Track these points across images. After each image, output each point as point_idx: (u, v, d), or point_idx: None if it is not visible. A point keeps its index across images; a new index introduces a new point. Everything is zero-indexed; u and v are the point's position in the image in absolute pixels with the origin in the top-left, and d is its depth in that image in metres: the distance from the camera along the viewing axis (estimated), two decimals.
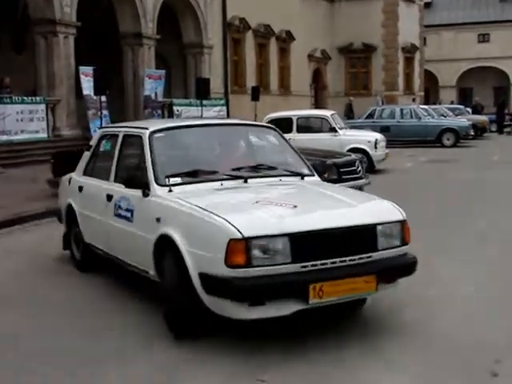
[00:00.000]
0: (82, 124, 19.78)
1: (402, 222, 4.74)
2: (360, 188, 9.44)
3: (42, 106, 18.16)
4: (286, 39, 32.90)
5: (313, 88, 37.26)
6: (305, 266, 4.25)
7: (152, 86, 21.87)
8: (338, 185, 6.47)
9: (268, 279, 4.15)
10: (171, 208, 4.82)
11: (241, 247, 4.12)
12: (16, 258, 7.37)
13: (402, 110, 24.62)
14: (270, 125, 6.82)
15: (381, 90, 37.01)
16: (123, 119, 21.54)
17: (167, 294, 4.70)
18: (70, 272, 6.65)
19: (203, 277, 4.30)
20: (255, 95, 26.45)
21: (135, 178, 5.32)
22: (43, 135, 18.21)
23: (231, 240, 4.14)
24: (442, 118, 26.74)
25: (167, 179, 5.08)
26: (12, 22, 22.79)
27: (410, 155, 20.24)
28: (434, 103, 38.84)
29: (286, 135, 14.67)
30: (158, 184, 5.09)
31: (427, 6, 49.80)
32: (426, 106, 27.94)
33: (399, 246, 4.70)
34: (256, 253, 4.16)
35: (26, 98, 17.62)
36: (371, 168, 15.18)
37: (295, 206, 4.58)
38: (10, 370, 4.24)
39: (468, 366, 4.12)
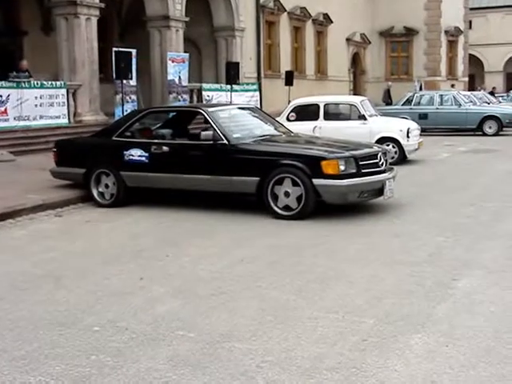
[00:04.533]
0: (109, 109, 19.12)
1: None
2: (383, 184, 8.56)
3: (63, 91, 17.53)
4: (323, 22, 31.84)
5: (351, 73, 36.13)
6: None
7: (175, 70, 21.08)
8: None
9: None
10: None
11: None
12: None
13: (441, 96, 23.37)
14: None
15: (422, 75, 35.69)
16: (150, 104, 20.96)
17: None
18: None
19: None
20: (289, 80, 25.60)
21: None
22: (64, 121, 17.61)
23: None
24: (485, 104, 25.43)
25: None
26: (41, 1, 22.20)
27: (448, 144, 19.11)
28: (473, 89, 37.27)
29: (312, 122, 14.34)
30: None
31: None
32: (467, 92, 26.65)
33: None
34: None
35: (45, 82, 17.00)
36: (403, 158, 14.22)
37: None
38: None
39: None
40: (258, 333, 4.51)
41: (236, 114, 9.95)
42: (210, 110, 9.27)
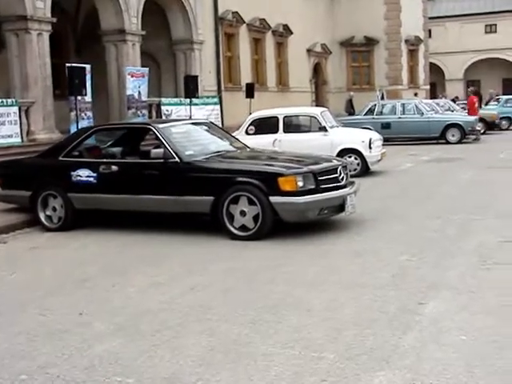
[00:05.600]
0: (65, 126, 18.48)
1: None
2: (343, 199, 8.16)
3: (15, 109, 16.86)
4: (283, 33, 31.53)
5: (313, 83, 35.87)
6: None
7: (134, 85, 20.56)
8: None
9: None
10: None
11: None
12: None
13: (403, 105, 23.18)
14: None
15: (384, 84, 35.61)
16: (107, 120, 20.36)
17: None
18: None
19: None
20: (249, 92, 25.20)
21: None
22: (16, 140, 16.94)
23: None
24: (447, 112, 25.34)
25: None
26: None
27: (411, 154, 18.87)
28: (435, 97, 37.35)
29: (272, 136, 13.92)
30: None
31: None
32: (429, 101, 26.55)
33: None
34: None
35: None
36: (366, 170, 13.88)
37: None
38: None
39: None
40: (204, 376, 4.04)
41: (189, 130, 9.48)
42: (160, 126, 8.80)
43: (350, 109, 29.41)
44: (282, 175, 7.76)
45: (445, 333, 4.63)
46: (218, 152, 8.75)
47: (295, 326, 4.86)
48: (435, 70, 48.57)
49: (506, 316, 4.91)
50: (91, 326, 5.04)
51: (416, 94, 35.40)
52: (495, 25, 49.96)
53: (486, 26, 50.22)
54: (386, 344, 4.44)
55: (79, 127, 16.44)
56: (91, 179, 8.82)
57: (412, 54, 38.73)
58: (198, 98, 22.43)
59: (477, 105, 26.49)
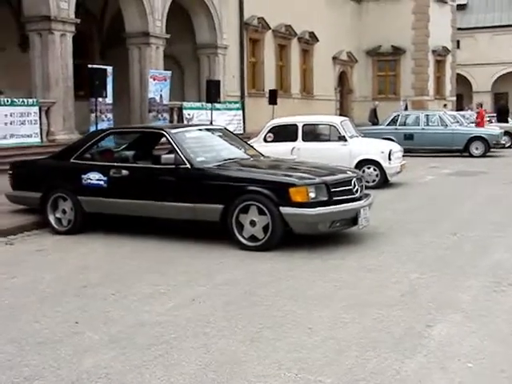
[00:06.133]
0: (86, 128, 18.46)
1: None
2: (357, 212, 7.93)
3: (35, 109, 16.91)
4: (309, 40, 31.38)
5: (338, 92, 35.65)
6: None
7: (156, 88, 20.53)
8: None
9: None
10: None
11: None
12: None
13: (427, 116, 22.84)
14: None
15: (410, 94, 35.29)
16: (128, 123, 20.32)
17: None
18: None
19: None
20: (272, 99, 25.05)
21: None
22: (36, 140, 16.99)
23: None
24: (472, 125, 24.95)
25: None
26: (17, 16, 21.58)
27: (433, 166, 18.54)
28: (461, 109, 36.92)
29: (290, 143, 13.72)
30: None
31: (462, 7, 47.94)
32: (454, 112, 26.19)
33: None
34: None
35: (16, 99, 16.35)
36: (384, 181, 13.62)
37: None
38: None
39: None
40: None
41: (202, 136, 9.33)
42: (173, 131, 8.65)
43: (374, 118, 29.04)
44: (293, 185, 7.56)
45: (451, 359, 4.40)
46: (231, 159, 8.57)
47: (295, 345, 4.66)
48: (462, 82, 48.06)
49: None
50: (84, 337, 4.88)
51: (445, 106, 34.93)
52: None
53: None
54: (388, 369, 4.23)
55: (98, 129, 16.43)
56: (101, 183, 8.69)
57: (439, 64, 38.36)
58: (220, 102, 22.34)
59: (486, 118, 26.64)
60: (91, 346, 4.69)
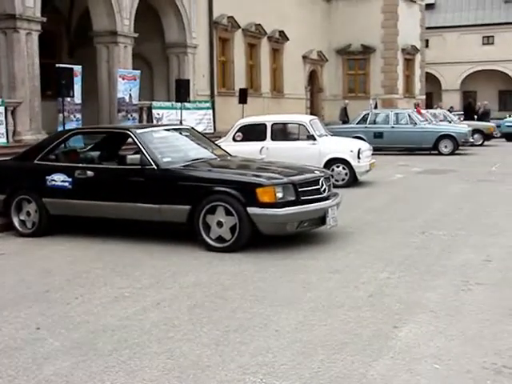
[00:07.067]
0: (54, 128, 18.18)
1: None
2: (325, 212, 7.88)
3: (1, 109, 16.58)
4: (279, 39, 31.28)
5: (308, 91, 35.63)
6: None
7: (126, 88, 20.28)
8: None
9: None
10: None
11: None
12: None
13: (396, 114, 22.93)
14: None
15: (380, 93, 35.42)
16: (97, 123, 20.07)
17: None
18: None
19: None
20: (243, 98, 24.93)
21: None
22: (2, 140, 16.65)
23: None
24: (441, 123, 25.12)
25: None
26: None
27: (402, 164, 18.61)
28: (431, 107, 37.20)
29: (259, 143, 13.64)
30: None
31: (430, 7, 48.24)
32: (424, 111, 26.34)
33: None
34: None
35: None
36: (354, 180, 13.62)
37: None
38: None
39: None
40: None
41: (169, 136, 9.20)
42: (138, 131, 8.52)
43: (345, 117, 29.19)
44: (260, 186, 7.49)
45: (418, 360, 4.36)
46: (198, 159, 8.47)
47: (261, 349, 4.58)
48: (432, 80, 48.39)
49: (483, 343, 4.64)
50: (45, 343, 4.75)
51: (418, 105, 35.02)
52: (492, 36, 49.80)
53: (484, 37, 50.06)
54: (354, 372, 4.17)
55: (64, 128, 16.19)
56: (66, 184, 8.54)
57: (408, 63, 38.54)
58: (189, 102, 22.19)
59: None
60: (52, 353, 4.56)
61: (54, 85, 20.03)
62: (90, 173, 8.43)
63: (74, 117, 19.13)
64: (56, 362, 4.40)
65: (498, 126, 29.53)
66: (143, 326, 5.09)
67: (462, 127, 23.93)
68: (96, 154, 9.32)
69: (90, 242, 8.34)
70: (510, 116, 33.63)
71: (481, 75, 50.07)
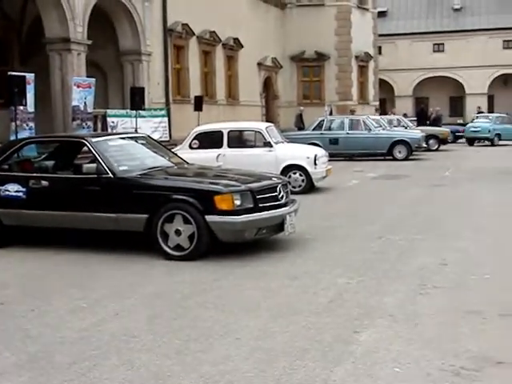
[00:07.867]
0: (7, 137, 17.83)
1: None
2: (283, 219, 7.90)
3: None
4: (234, 47, 31.33)
5: (263, 98, 35.75)
6: None
7: (81, 96, 20.04)
8: None
9: None
10: None
11: None
12: None
13: (351, 120, 23.17)
14: None
15: (334, 99, 35.73)
16: (51, 132, 19.78)
17: None
18: None
19: None
20: (198, 105, 24.88)
21: None
22: None
23: None
24: (395, 129, 25.46)
25: None
26: None
27: (358, 170, 18.80)
28: (385, 113, 37.72)
29: (216, 150, 13.62)
30: None
31: (382, 14, 48.90)
32: (377, 117, 26.66)
33: None
34: None
35: None
36: (311, 186, 13.69)
37: None
38: None
39: None
40: None
41: (125, 144, 9.08)
42: (93, 140, 8.41)
43: (300, 124, 29.38)
44: (218, 193, 7.47)
45: (379, 364, 4.39)
46: (155, 168, 8.40)
47: (222, 357, 4.55)
48: (385, 86, 49.01)
49: (441, 345, 4.69)
50: (0, 358, 4.64)
51: (377, 110, 35.41)
52: (443, 44, 50.74)
53: (434, 44, 50.94)
54: (316, 378, 4.17)
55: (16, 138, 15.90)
56: (20, 194, 8.37)
57: (362, 70, 38.98)
58: (144, 110, 22.04)
59: None
60: (8, 368, 4.46)
61: (6, 93, 19.78)
62: (44, 182, 8.29)
63: (27, 125, 18.81)
64: (11, 377, 4.30)
65: (452, 132, 30.08)
66: (102, 337, 5.01)
67: (416, 133, 24.31)
68: (51, 163, 9.17)
69: (45, 253, 8.19)
70: (476, 117, 34.32)
71: (432, 82, 50.91)
